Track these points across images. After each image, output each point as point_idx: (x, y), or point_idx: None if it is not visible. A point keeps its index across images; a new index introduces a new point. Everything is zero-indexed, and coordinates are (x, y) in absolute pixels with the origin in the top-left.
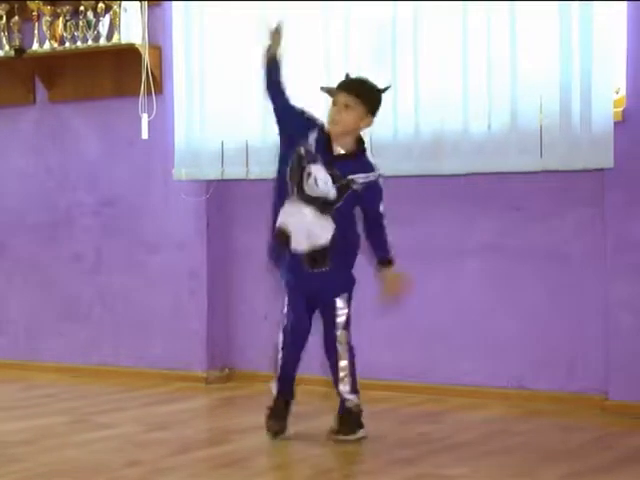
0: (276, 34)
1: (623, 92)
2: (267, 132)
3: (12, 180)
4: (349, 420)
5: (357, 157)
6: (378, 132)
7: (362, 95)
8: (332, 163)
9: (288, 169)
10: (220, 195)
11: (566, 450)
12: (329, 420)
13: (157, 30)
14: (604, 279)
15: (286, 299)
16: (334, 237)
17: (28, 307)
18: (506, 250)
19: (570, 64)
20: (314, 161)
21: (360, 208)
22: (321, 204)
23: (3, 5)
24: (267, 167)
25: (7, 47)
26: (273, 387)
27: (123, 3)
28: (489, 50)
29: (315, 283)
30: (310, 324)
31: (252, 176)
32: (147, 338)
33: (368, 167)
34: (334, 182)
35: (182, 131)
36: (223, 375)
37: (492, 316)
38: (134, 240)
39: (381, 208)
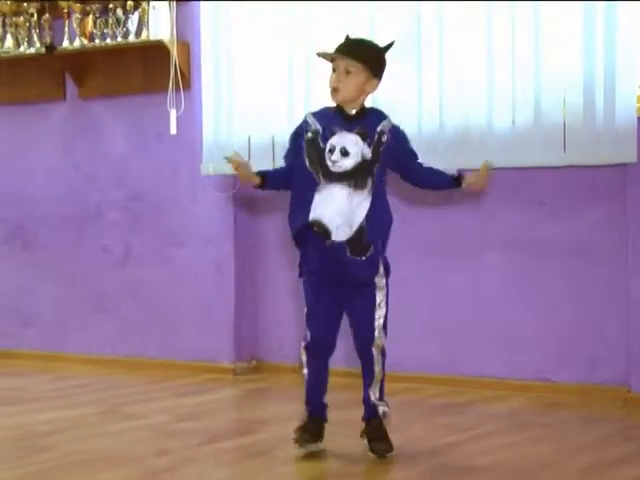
0: (239, 167)
1: None
2: (293, 127)
3: (42, 175)
4: (380, 430)
5: (368, 112)
6: (403, 127)
7: (364, 58)
8: (352, 124)
9: (307, 160)
10: (247, 190)
11: (589, 442)
12: (353, 411)
13: (185, 27)
14: (626, 273)
15: (307, 300)
16: (370, 214)
17: (57, 300)
18: (529, 245)
19: (594, 60)
20: (332, 133)
21: (396, 162)
22: (354, 176)
23: (34, 3)
24: None
25: (38, 44)
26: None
27: (151, 1)
28: (513, 46)
29: (352, 269)
30: (335, 338)
31: None
32: (175, 330)
33: (382, 115)
34: (364, 140)
35: (210, 126)
36: (250, 367)
37: (515, 310)
38: (162, 234)
39: (414, 148)
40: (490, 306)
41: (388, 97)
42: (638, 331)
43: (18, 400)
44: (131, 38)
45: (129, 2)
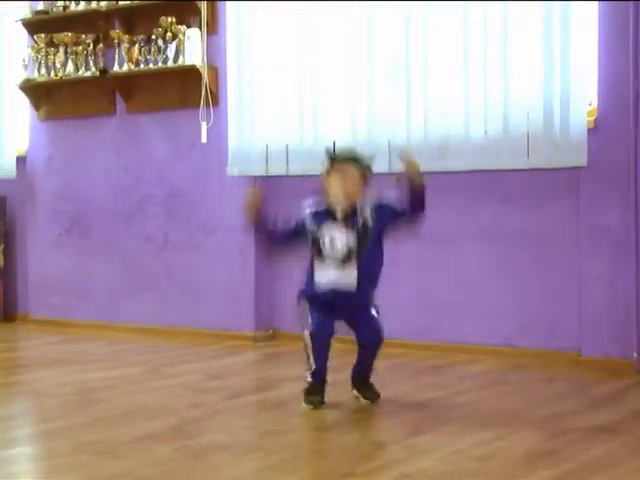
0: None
1: (595, 104)
2: (304, 136)
3: (98, 176)
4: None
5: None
6: (395, 136)
7: (367, 168)
8: (339, 220)
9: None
10: (265, 188)
11: (548, 396)
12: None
13: (214, 54)
14: (579, 257)
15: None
16: (360, 276)
17: (110, 279)
18: (500, 234)
19: (552, 82)
20: (320, 225)
21: (389, 223)
22: (342, 259)
23: (90, 35)
24: (304, 165)
25: (93, 68)
26: (308, 377)
27: (187, 32)
28: (485, 70)
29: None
30: (333, 325)
31: (291, 172)
32: (206, 304)
33: (367, 202)
34: (351, 230)
35: (234, 136)
36: (268, 335)
37: (488, 287)
38: (195, 225)
39: (398, 207)
40: (467, 284)
41: (382, 112)
42: (588, 306)
43: (77, 361)
44: (169, 63)
45: (168, 34)
